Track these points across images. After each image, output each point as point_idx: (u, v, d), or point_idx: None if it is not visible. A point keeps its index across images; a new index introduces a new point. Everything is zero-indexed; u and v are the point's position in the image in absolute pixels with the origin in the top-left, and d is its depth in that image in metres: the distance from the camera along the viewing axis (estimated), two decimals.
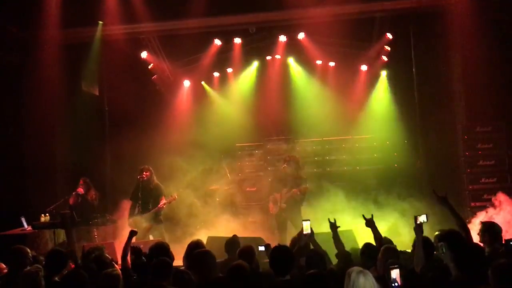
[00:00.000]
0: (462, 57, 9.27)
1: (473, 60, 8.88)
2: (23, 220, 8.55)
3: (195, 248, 4.60)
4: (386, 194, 9.40)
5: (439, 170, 9.84)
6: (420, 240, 4.19)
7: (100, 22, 9.64)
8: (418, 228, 4.26)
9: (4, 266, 4.96)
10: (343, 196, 9.54)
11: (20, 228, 8.52)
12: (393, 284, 3.29)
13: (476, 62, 8.82)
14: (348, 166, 10.93)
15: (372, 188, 10.12)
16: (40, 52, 9.40)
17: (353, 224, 7.99)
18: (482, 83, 8.96)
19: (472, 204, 9.01)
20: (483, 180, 9.12)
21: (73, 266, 5.25)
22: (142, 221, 8.22)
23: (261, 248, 4.98)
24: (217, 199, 10.66)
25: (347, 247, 5.40)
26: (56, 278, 4.26)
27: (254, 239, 6.96)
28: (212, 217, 9.69)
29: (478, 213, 7.87)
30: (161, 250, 4.69)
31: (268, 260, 4.93)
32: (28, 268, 4.30)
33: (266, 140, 11.27)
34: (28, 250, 4.98)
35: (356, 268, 3.47)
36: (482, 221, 5.50)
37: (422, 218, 4.31)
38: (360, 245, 5.20)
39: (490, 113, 9.34)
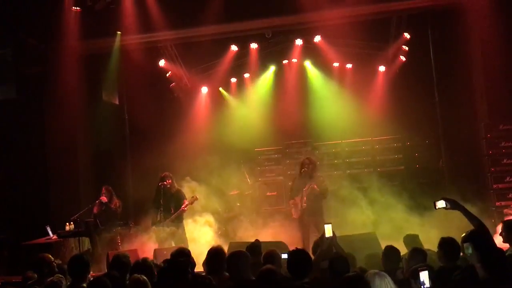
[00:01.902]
0: (482, 54, 9.11)
1: (494, 57, 8.73)
2: (48, 229, 8.70)
3: (215, 254, 4.60)
4: (408, 195, 9.29)
5: (462, 169, 9.70)
6: (465, 210, 4.24)
7: (119, 32, 9.78)
8: (455, 204, 4.27)
9: (32, 274, 5.03)
10: (365, 198, 9.48)
11: (46, 237, 8.67)
12: (422, 287, 3.26)
13: (497, 59, 8.67)
14: (369, 168, 10.83)
15: (394, 189, 10.00)
16: (60, 64, 9.58)
17: (375, 226, 7.94)
18: (504, 80, 8.80)
19: (497, 203, 8.83)
20: (508, 178, 8.94)
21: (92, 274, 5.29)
22: (165, 228, 8.27)
23: (284, 256, 4.96)
24: (238, 204, 10.70)
25: (371, 249, 5.36)
26: (84, 285, 4.29)
27: (276, 243, 6.93)
28: (233, 223, 9.71)
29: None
30: (182, 256, 4.70)
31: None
32: (51, 278, 4.34)
33: (285, 144, 11.26)
34: (52, 258, 5.04)
35: (373, 270, 3.48)
36: (504, 220, 5.40)
37: (441, 204, 4.28)
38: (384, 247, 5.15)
39: None
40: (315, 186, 8.01)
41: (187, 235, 8.74)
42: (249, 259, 4.34)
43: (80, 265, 4.57)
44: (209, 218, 9.54)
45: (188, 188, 9.45)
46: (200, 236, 9.14)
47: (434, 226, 8.01)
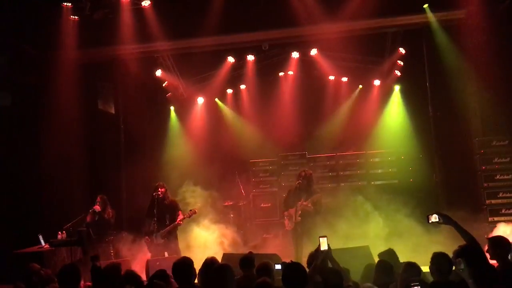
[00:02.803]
0: (476, 70, 9.21)
1: (488, 73, 8.83)
2: (40, 238, 8.63)
3: (210, 265, 4.58)
4: (402, 209, 9.31)
5: (455, 184, 9.75)
6: (457, 226, 4.24)
7: (116, 42, 9.80)
8: (448, 219, 4.28)
9: (24, 286, 4.99)
10: (359, 211, 9.49)
11: (38, 246, 8.59)
12: None
13: (491, 75, 8.77)
14: (363, 181, 10.87)
15: (387, 203, 10.02)
16: (57, 72, 9.55)
17: (369, 239, 7.93)
18: (498, 96, 8.90)
19: (490, 219, 8.90)
20: (501, 194, 9.02)
21: (85, 283, 5.26)
22: (158, 238, 8.23)
23: (278, 267, 4.94)
24: (231, 215, 10.68)
25: (363, 263, 5.35)
26: None
27: (270, 255, 6.91)
28: (227, 234, 9.69)
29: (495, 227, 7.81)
30: (185, 266, 4.60)
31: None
32: (47, 287, 4.31)
33: (280, 156, 11.28)
34: (38, 268, 4.98)
35: (367, 285, 3.51)
36: (489, 237, 5.42)
37: (434, 218, 4.32)
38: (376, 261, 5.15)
39: (506, 127, 9.25)
40: (309, 204, 7.98)
41: (191, 242, 8.70)
42: (233, 273, 4.33)
43: (70, 274, 4.54)
44: (209, 227, 9.56)
45: (190, 193, 9.45)
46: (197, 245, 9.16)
47: (426, 240, 8.05)
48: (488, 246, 4.82)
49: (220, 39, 9.79)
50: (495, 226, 8.42)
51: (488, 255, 4.71)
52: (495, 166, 9.17)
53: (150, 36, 9.45)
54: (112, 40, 9.51)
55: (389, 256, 5.33)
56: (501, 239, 4.88)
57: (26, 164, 9.51)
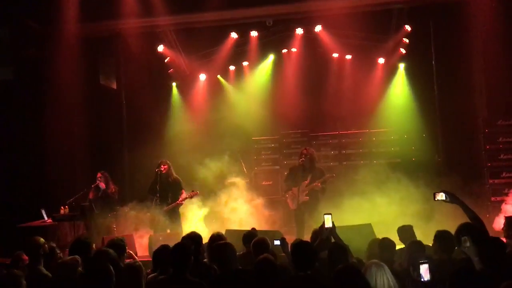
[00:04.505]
0: (483, 49, 9.10)
1: (495, 52, 8.73)
2: (43, 212, 8.69)
3: (217, 240, 4.60)
4: (403, 188, 9.31)
5: (458, 164, 9.70)
6: (463, 204, 4.27)
7: (118, 16, 9.67)
8: (454, 198, 4.27)
9: (27, 257, 5.01)
10: (360, 190, 9.48)
11: (41, 220, 8.66)
12: (422, 279, 3.31)
13: (498, 54, 8.67)
14: (365, 160, 10.83)
15: (389, 182, 10.01)
16: (59, 47, 9.50)
17: (370, 218, 7.96)
18: (504, 75, 8.81)
19: (493, 198, 8.89)
20: (504, 174, 8.99)
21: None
22: (161, 215, 8.26)
23: (277, 242, 4.95)
24: (234, 193, 10.69)
25: (366, 240, 5.36)
26: (80, 269, 4.27)
27: (272, 232, 6.96)
28: (228, 211, 9.72)
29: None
30: (195, 240, 4.59)
31: (283, 254, 4.92)
32: (67, 258, 4.32)
33: (282, 133, 11.23)
34: (42, 242, 4.99)
35: (374, 261, 3.53)
36: (507, 215, 5.42)
37: (440, 196, 4.31)
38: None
39: None
40: (319, 184, 7.98)
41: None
42: (234, 250, 4.34)
43: (83, 250, 4.57)
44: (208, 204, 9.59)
45: (191, 170, 9.44)
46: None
47: (428, 219, 8.06)
48: (504, 224, 4.83)
49: (223, 14, 9.68)
50: (498, 206, 8.42)
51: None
52: (499, 145, 9.11)
53: (153, 10, 9.34)
54: (114, 14, 9.38)
55: (407, 232, 5.34)
56: None
57: (28, 137, 9.51)
